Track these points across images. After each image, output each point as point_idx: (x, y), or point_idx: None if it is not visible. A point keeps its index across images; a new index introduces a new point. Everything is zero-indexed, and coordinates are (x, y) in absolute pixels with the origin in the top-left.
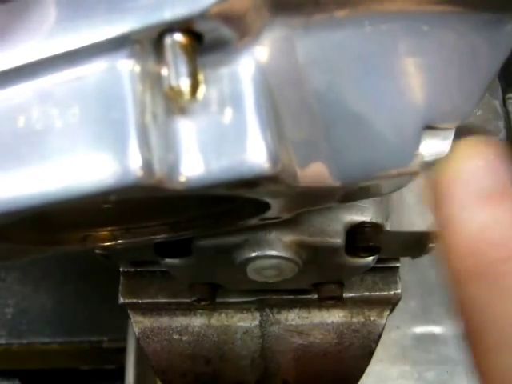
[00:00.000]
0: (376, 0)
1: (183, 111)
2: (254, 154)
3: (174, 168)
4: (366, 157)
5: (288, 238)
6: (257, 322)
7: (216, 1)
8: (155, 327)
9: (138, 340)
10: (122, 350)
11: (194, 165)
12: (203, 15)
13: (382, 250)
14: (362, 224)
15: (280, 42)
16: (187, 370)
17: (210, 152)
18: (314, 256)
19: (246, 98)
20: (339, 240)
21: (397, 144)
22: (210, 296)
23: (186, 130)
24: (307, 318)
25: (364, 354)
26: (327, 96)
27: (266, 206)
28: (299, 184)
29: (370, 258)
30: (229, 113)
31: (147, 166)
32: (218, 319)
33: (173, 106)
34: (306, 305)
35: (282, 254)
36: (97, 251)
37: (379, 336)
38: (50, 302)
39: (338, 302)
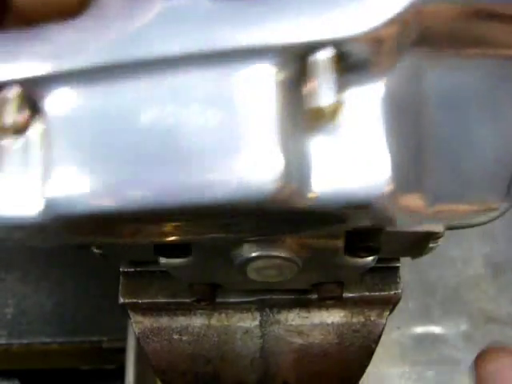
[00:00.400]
0: (508, 45)
1: (319, 129)
2: (379, 177)
3: (304, 183)
4: (457, 191)
5: (288, 237)
6: (257, 322)
7: (372, 27)
8: (155, 327)
9: (138, 340)
10: (122, 350)
11: (323, 183)
12: (358, 38)
13: (382, 250)
14: None
15: (410, 70)
16: (187, 369)
17: (338, 172)
18: (314, 256)
19: (376, 122)
20: (339, 240)
21: (489, 187)
22: (209, 296)
23: (319, 146)
24: (307, 318)
25: (364, 354)
26: (437, 129)
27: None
28: (396, 207)
29: (370, 257)
30: (358, 134)
31: (286, 177)
32: (218, 319)
33: (310, 122)
34: (306, 305)
35: (283, 254)
36: (95, 250)
37: (379, 336)
38: (49, 302)
39: (338, 301)
